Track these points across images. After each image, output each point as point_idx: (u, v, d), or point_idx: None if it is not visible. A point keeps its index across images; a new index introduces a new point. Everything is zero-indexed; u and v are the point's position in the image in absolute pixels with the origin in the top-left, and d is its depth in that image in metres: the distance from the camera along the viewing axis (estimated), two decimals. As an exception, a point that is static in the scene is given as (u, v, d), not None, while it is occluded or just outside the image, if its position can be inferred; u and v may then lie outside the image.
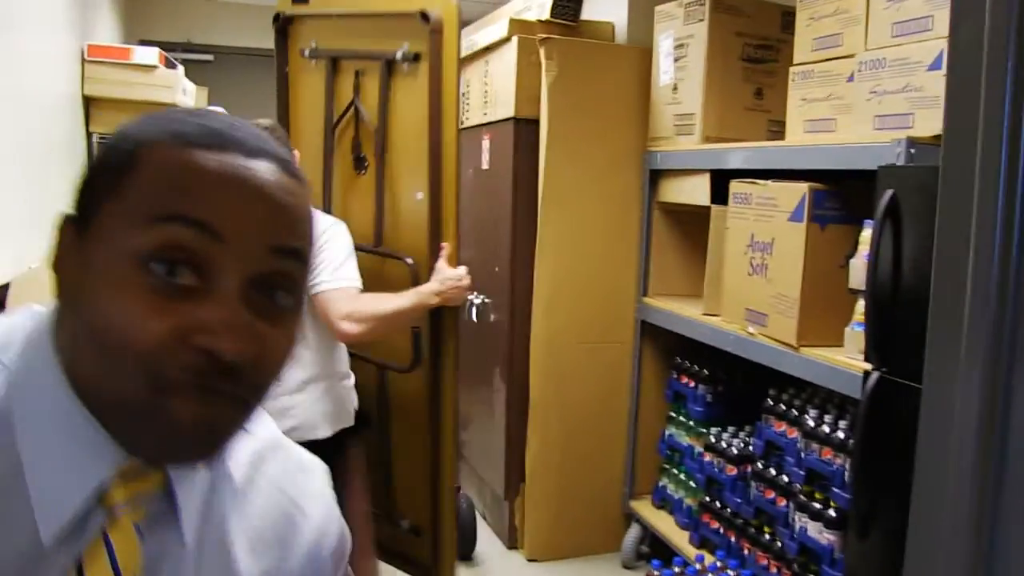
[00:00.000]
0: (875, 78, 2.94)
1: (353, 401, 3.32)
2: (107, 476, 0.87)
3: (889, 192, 2.50)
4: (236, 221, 0.85)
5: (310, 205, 0.94)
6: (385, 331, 3.18)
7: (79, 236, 0.87)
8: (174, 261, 0.83)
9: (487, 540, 4.98)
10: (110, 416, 0.86)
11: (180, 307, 0.83)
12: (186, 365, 0.82)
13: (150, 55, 5.10)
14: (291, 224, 0.89)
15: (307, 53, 3.66)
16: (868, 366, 2.68)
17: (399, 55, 3.41)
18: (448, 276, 3.30)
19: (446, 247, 3.41)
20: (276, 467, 1.07)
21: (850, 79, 3.08)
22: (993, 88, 1.25)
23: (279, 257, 0.88)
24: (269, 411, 1.04)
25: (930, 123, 2.66)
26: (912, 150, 2.65)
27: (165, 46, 6.66)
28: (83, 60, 4.94)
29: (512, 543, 4.90)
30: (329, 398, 3.14)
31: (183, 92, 5.41)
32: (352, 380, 3.33)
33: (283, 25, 3.77)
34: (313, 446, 1.20)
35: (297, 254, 0.90)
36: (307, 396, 3.06)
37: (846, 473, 3.12)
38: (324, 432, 3.11)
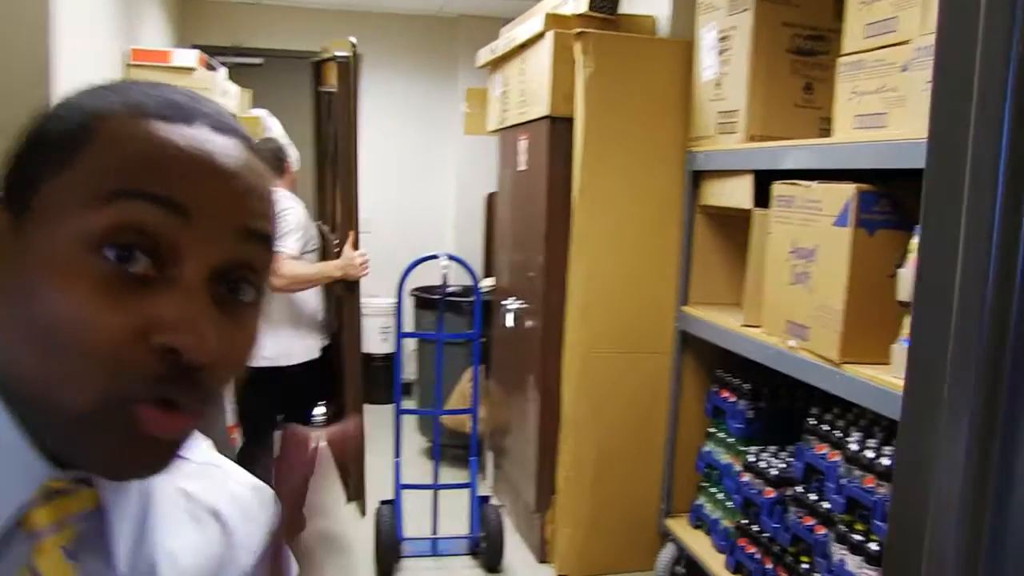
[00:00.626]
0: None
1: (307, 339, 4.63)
2: (30, 496, 0.76)
3: (942, 193, 2.16)
4: (204, 199, 0.76)
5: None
6: (299, 287, 4.41)
7: (14, 219, 0.76)
8: (131, 245, 0.72)
9: (518, 553, 4.73)
10: (49, 426, 0.76)
11: (138, 300, 0.73)
12: (148, 369, 0.72)
13: (189, 57, 4.94)
14: (260, 206, 0.81)
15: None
16: (915, 387, 2.35)
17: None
18: (348, 256, 4.54)
19: (351, 234, 4.59)
20: (210, 485, 0.98)
21: (904, 68, 2.74)
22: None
23: (247, 242, 0.79)
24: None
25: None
26: (969, 146, 2.31)
27: (214, 50, 6.51)
28: (127, 65, 4.78)
29: (543, 557, 4.63)
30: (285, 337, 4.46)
31: (223, 94, 5.22)
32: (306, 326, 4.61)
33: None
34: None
35: (265, 239, 0.81)
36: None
37: (888, 504, 2.78)
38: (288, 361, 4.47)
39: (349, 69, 4.57)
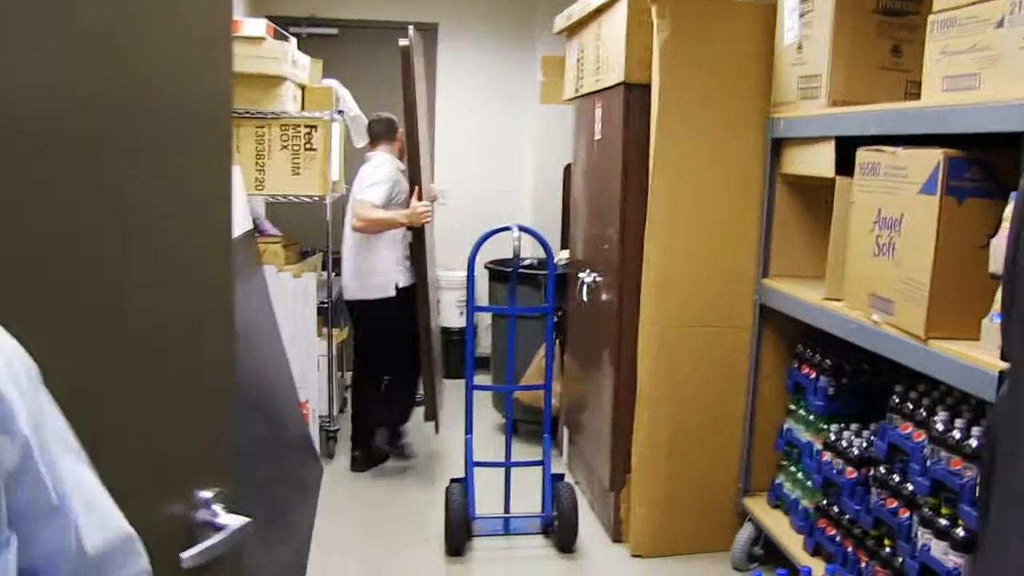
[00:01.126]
0: (1029, 23, 2.44)
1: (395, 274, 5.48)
2: None
3: (1038, 156, 2.03)
4: None
5: None
6: (375, 229, 5.31)
7: None
8: None
9: (592, 532, 4.66)
10: None
11: None
12: None
13: (258, 27, 4.94)
14: None
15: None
16: (1005, 365, 2.22)
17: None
18: (412, 206, 5.19)
19: (416, 188, 5.19)
20: None
21: (999, 24, 2.57)
22: None
23: None
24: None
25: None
26: (1069, 106, 2.16)
27: (288, 21, 6.50)
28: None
29: (617, 536, 4.56)
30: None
31: (292, 64, 5.20)
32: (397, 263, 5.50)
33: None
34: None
35: None
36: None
37: (977, 487, 2.64)
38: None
39: (408, 56, 4.97)
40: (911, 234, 2.86)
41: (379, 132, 5.69)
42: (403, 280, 5.45)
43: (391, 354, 5.57)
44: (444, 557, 4.36)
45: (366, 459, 5.56)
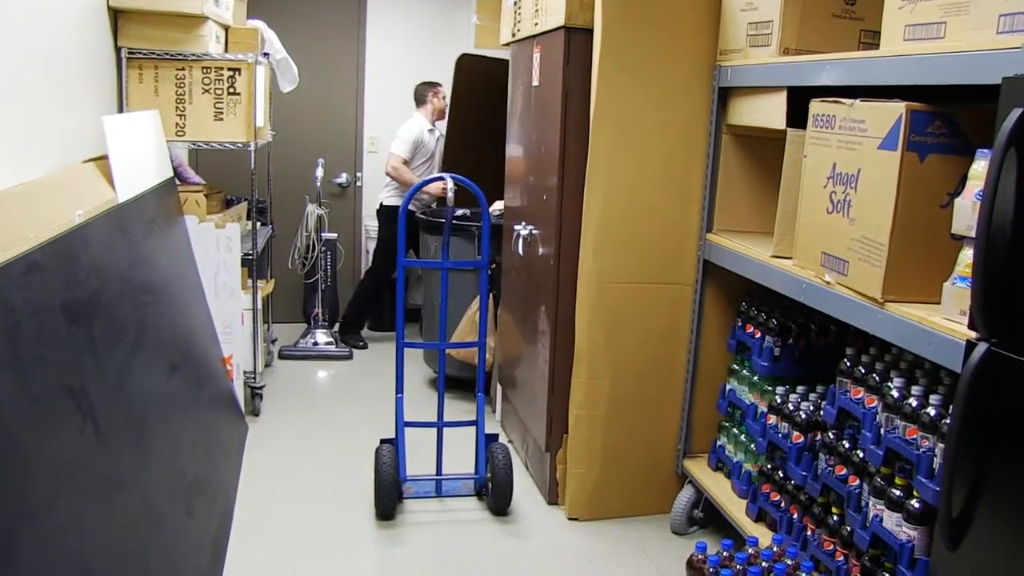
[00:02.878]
0: (1000, -33, 2.30)
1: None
2: None
3: (1017, 111, 1.89)
4: None
5: None
6: (397, 179, 6.86)
7: None
8: None
9: (527, 493, 4.55)
10: None
11: None
12: None
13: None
14: None
15: None
16: (973, 334, 2.10)
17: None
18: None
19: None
20: None
21: (966, -30, 2.44)
22: None
23: None
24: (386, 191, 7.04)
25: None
26: (1051, 57, 2.03)
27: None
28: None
29: (552, 498, 4.45)
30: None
31: (215, 2, 4.92)
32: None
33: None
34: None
35: None
36: None
37: (934, 459, 2.54)
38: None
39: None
40: (869, 191, 2.73)
41: (416, 96, 7.07)
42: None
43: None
44: (374, 520, 4.21)
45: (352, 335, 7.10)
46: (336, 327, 7.15)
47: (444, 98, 7.03)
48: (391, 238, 6.60)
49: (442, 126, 7.06)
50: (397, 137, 6.85)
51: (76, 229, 2.94)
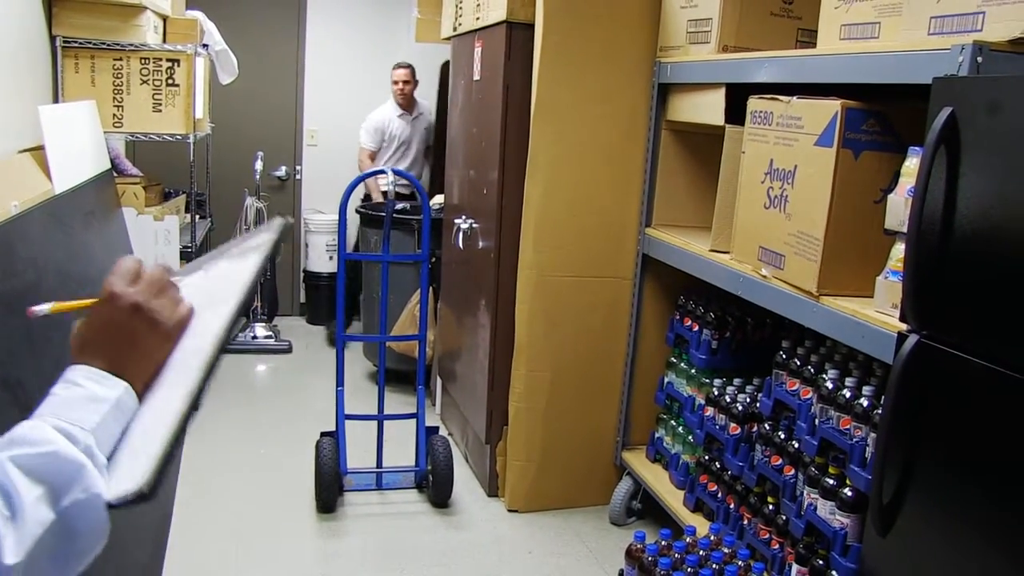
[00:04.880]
0: (932, -29, 2.36)
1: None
2: None
3: (947, 111, 1.95)
4: None
5: None
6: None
7: None
8: None
9: (468, 486, 4.56)
10: None
11: None
12: None
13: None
14: None
15: None
16: (904, 326, 2.16)
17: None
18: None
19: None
20: None
21: (900, -28, 2.50)
22: None
23: None
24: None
25: (1008, 23, 2.09)
26: (979, 58, 2.08)
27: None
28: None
29: (493, 491, 4.47)
30: None
31: (153, -7, 4.87)
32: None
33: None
34: None
35: None
36: None
37: (867, 448, 2.60)
38: None
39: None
40: (805, 187, 2.79)
41: None
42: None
43: None
44: (315, 513, 4.20)
45: None
46: (274, 320, 7.07)
47: (403, 83, 6.93)
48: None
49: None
50: (361, 126, 7.03)
51: (12, 220, 2.90)
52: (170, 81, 4.90)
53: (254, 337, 6.78)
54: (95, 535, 1.00)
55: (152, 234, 4.85)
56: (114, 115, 4.84)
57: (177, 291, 1.14)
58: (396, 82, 6.95)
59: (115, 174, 4.90)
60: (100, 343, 1.06)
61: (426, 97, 7.24)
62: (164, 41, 5.05)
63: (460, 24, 4.82)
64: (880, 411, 2.43)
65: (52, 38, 4.62)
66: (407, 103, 7.04)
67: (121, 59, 4.80)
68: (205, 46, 5.52)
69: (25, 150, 3.78)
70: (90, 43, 4.68)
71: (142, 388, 1.07)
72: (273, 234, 1.15)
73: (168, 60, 4.89)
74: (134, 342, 1.07)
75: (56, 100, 4.64)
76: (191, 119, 5.01)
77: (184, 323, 1.14)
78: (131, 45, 4.77)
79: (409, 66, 6.97)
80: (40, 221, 3.26)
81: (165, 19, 5.16)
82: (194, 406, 1.06)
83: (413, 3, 6.36)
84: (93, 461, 0.97)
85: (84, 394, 1.01)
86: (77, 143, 4.17)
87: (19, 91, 4.04)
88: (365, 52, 7.57)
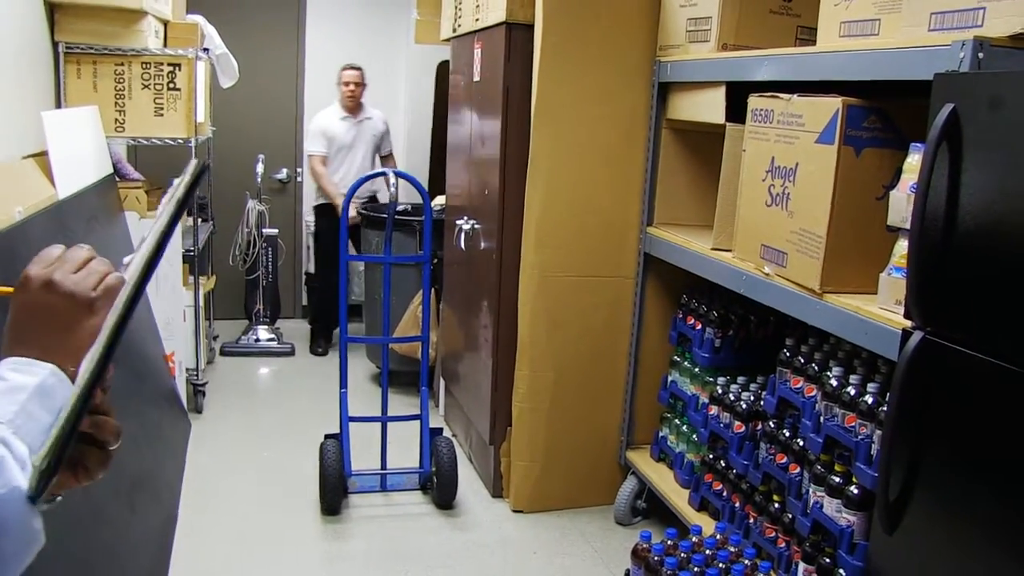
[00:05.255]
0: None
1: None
2: None
3: (948, 107, 1.94)
4: None
5: None
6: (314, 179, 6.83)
7: None
8: None
9: (472, 487, 4.55)
10: None
11: None
12: None
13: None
14: None
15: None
16: (908, 323, 2.15)
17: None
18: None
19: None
20: None
21: (900, -32, 2.50)
22: None
23: None
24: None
25: (1008, 19, 2.08)
26: (980, 54, 2.07)
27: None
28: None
29: (497, 492, 4.46)
30: None
31: (156, -1, 4.87)
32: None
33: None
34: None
35: None
36: None
37: (872, 446, 2.60)
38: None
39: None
40: (807, 184, 2.78)
41: None
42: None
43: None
44: (320, 515, 4.20)
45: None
46: (276, 323, 7.07)
47: (353, 84, 6.69)
48: (323, 235, 6.77)
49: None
50: (308, 133, 6.97)
51: (17, 226, 2.90)
52: (171, 85, 4.91)
53: (257, 340, 6.78)
54: (22, 533, 0.94)
55: (155, 238, 4.84)
56: (116, 120, 4.85)
57: (104, 264, 1.09)
58: (347, 83, 6.69)
59: (117, 178, 4.91)
60: (22, 329, 1.03)
61: (424, 99, 7.21)
62: (165, 46, 5.06)
63: (459, 25, 4.82)
64: (885, 408, 2.43)
65: (54, 44, 4.62)
66: (354, 106, 6.78)
67: (123, 64, 4.81)
68: (206, 50, 5.52)
69: (29, 156, 3.78)
70: (92, 48, 4.69)
71: (78, 364, 0.99)
72: (187, 177, 1.06)
73: (169, 64, 4.90)
74: (53, 320, 1.03)
75: (59, 105, 4.65)
76: (192, 123, 5.01)
77: (112, 292, 1.06)
78: (132, 50, 4.77)
79: (359, 68, 6.76)
80: (43, 226, 3.26)
81: (166, 24, 5.16)
82: (99, 374, 0.96)
83: (412, 5, 6.36)
84: (12, 453, 0.92)
85: (4, 387, 0.97)
86: (80, 148, 4.17)
87: (22, 97, 4.04)
88: (364, 54, 7.55)
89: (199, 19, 5.56)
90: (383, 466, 4.48)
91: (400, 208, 5.27)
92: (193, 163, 1.07)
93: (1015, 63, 2.07)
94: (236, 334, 6.88)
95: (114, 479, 3.35)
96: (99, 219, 4.13)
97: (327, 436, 4.33)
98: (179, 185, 1.07)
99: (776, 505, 3.16)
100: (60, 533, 2.77)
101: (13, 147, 3.76)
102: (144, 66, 4.86)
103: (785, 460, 3.08)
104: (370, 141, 6.84)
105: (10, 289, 1.06)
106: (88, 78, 4.73)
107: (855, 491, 2.67)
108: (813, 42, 2.97)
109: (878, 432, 2.57)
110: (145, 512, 3.59)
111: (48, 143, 3.73)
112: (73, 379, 0.99)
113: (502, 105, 4.11)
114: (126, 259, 1.08)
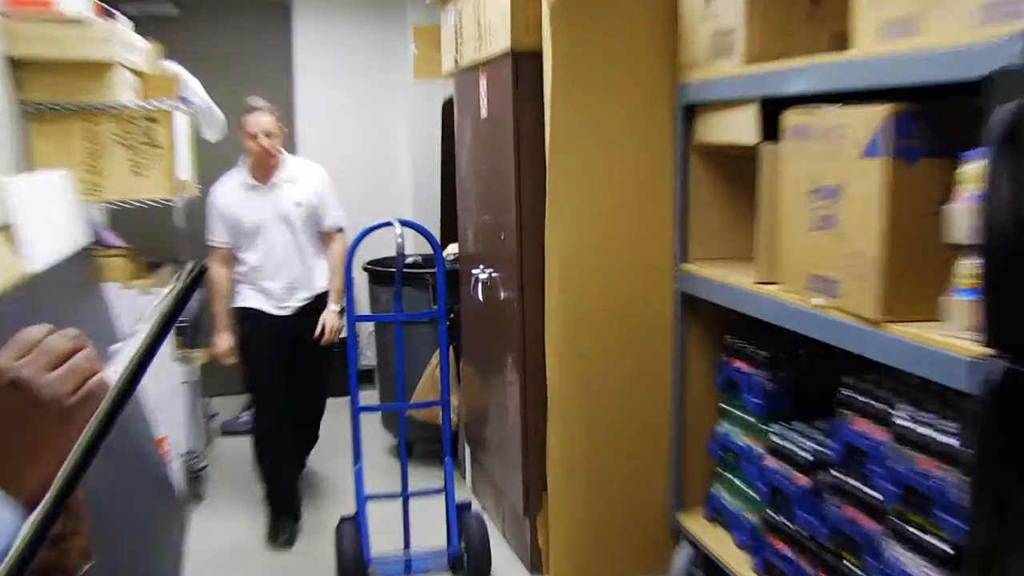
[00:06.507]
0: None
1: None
2: None
3: (1010, 106, 1.91)
4: None
5: None
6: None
7: None
8: None
9: (507, 563, 4.54)
10: None
11: None
12: None
13: (78, 5, 4.63)
14: None
15: None
16: (980, 350, 2.10)
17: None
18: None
19: None
20: None
21: (942, -41, 2.48)
22: None
23: None
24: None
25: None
26: (1037, 46, 2.05)
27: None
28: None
29: (536, 567, 4.44)
30: None
31: (125, 47, 4.91)
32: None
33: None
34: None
35: None
36: None
37: (954, 492, 2.54)
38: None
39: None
40: (855, 203, 2.75)
41: None
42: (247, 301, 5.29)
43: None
44: (339, 608, 4.16)
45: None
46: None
47: (262, 135, 4.97)
48: (249, 347, 5.24)
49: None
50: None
51: (-15, 306, 2.90)
52: (149, 141, 4.92)
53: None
54: None
55: (139, 309, 4.86)
56: (92, 182, 4.87)
57: (89, 361, 1.01)
58: (251, 135, 4.97)
59: (97, 246, 4.93)
60: None
61: (430, 140, 7.22)
62: (140, 98, 5.09)
63: (461, 57, 4.83)
64: (966, 449, 2.37)
65: (20, 103, 4.66)
66: (266, 167, 5.09)
67: (93, 121, 4.84)
68: (183, 99, 5.56)
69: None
70: (58, 106, 4.72)
71: (37, 482, 0.92)
72: (182, 281, 0.97)
73: (146, 119, 4.92)
74: (16, 427, 0.94)
75: (27, 170, 4.67)
76: (175, 181, 5.03)
77: (93, 397, 0.97)
78: (104, 105, 4.80)
79: (267, 108, 5.08)
80: (15, 305, 3.26)
81: (140, 75, 5.21)
82: (60, 502, 0.84)
83: (409, 38, 6.41)
84: None
85: None
86: (50, 217, 4.18)
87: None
88: (361, 100, 7.62)
89: (178, 68, 5.61)
90: (406, 547, 4.43)
91: (409, 260, 5.27)
92: (189, 265, 1.01)
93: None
94: (235, 411, 6.86)
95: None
96: (75, 293, 4.14)
97: (343, 519, 4.30)
98: (171, 292, 0.98)
99: (847, 563, 3.09)
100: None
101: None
102: (118, 122, 4.88)
103: (855, 513, 3.02)
104: (294, 218, 5.15)
105: None
106: (57, 138, 4.76)
107: (943, 546, 2.59)
108: (845, 48, 2.94)
109: (960, 476, 2.51)
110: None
111: (14, 214, 3.74)
112: (32, 502, 0.88)
113: (513, 141, 4.12)
114: (113, 347, 1.01)
